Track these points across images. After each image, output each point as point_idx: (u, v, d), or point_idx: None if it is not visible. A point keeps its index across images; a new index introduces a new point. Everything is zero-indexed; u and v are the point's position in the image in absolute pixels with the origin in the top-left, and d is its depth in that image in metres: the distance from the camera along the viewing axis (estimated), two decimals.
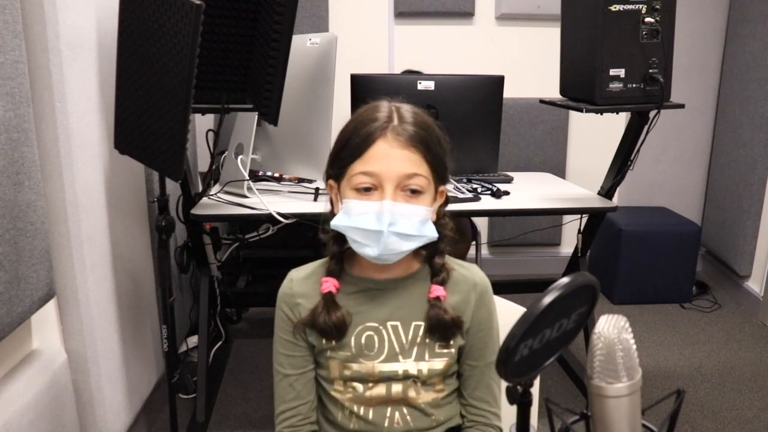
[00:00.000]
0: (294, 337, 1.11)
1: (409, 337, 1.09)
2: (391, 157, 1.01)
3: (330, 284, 1.09)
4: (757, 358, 2.72)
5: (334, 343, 1.08)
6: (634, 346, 0.69)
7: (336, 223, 1.05)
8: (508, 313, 1.21)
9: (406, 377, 1.08)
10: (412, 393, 1.09)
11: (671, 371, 2.62)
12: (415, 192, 1.02)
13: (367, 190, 1.02)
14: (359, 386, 1.09)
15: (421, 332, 1.09)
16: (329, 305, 1.08)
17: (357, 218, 1.02)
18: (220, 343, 2.69)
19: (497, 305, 1.20)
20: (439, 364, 1.09)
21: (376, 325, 1.09)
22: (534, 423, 1.13)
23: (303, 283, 1.13)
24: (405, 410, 1.10)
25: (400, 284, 1.11)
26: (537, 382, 1.19)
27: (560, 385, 2.49)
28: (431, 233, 1.05)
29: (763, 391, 2.46)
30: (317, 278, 1.12)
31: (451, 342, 1.09)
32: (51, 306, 1.53)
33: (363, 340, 1.08)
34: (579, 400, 2.38)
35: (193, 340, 2.58)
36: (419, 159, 1.02)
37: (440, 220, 1.12)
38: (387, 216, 1.00)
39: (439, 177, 1.07)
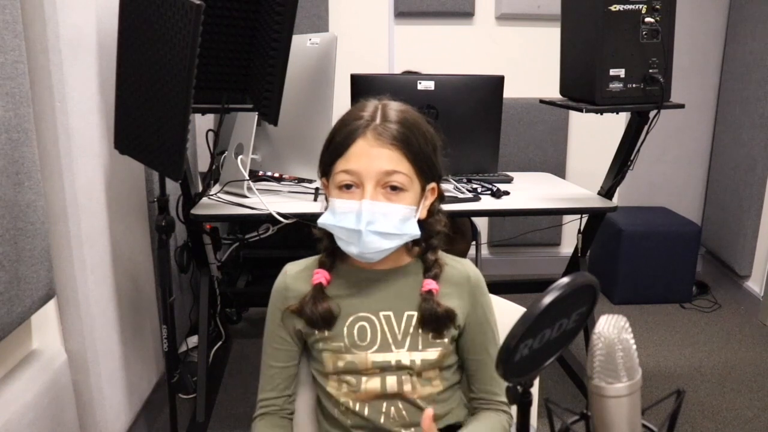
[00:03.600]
0: (282, 331, 1.13)
1: (402, 327, 1.09)
2: (370, 155, 1.02)
3: (321, 276, 1.11)
4: (757, 358, 2.72)
5: (326, 333, 1.09)
6: (634, 346, 0.69)
7: (322, 221, 1.07)
8: (508, 313, 1.21)
9: (399, 368, 1.08)
10: (407, 387, 1.09)
11: (671, 371, 2.62)
12: (395, 189, 1.03)
13: (348, 187, 1.04)
14: (353, 380, 1.09)
15: (414, 322, 1.09)
16: (317, 296, 1.09)
17: (340, 217, 1.04)
18: (220, 343, 2.69)
19: (497, 305, 1.20)
20: (432, 354, 1.09)
21: (368, 315, 1.10)
22: (534, 423, 1.14)
23: (297, 278, 1.15)
24: (400, 405, 1.10)
25: (392, 274, 1.12)
26: (537, 382, 1.19)
27: (560, 385, 2.49)
28: (413, 231, 1.06)
29: (763, 391, 2.46)
30: (311, 272, 1.13)
31: (444, 332, 1.10)
32: (51, 306, 1.53)
33: (355, 330, 1.09)
34: (579, 400, 2.38)
35: (193, 340, 2.58)
36: (399, 157, 1.03)
37: (433, 216, 1.12)
38: (365, 215, 1.02)
39: (426, 175, 1.08)
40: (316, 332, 1.10)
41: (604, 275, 3.32)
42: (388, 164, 1.02)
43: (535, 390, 1.10)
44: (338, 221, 1.04)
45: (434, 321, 1.08)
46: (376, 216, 1.02)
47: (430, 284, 1.10)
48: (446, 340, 1.10)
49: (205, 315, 2.27)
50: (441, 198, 1.14)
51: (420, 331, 1.09)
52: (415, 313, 1.09)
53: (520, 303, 1.21)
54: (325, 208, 1.12)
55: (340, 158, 1.04)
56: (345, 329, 1.09)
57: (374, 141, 1.02)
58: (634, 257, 3.22)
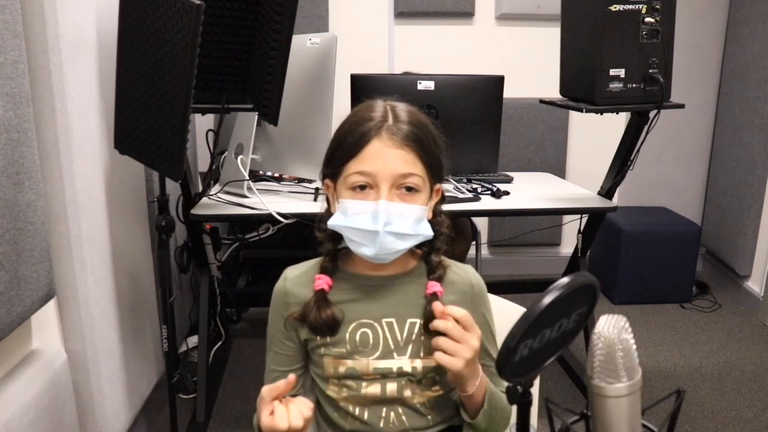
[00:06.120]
0: (284, 335, 1.12)
1: (404, 334, 1.09)
2: (386, 157, 1.01)
3: (323, 281, 1.10)
4: (757, 358, 2.73)
5: (328, 339, 1.09)
6: (634, 346, 0.69)
7: (333, 222, 1.05)
8: (508, 313, 1.21)
9: (400, 374, 1.08)
10: (407, 392, 1.09)
11: (671, 371, 2.62)
12: (410, 190, 1.03)
13: (363, 188, 1.03)
14: (354, 384, 1.09)
15: (416, 329, 1.09)
16: (320, 302, 1.08)
17: (353, 218, 1.03)
18: (220, 343, 2.69)
19: (497, 305, 1.20)
20: (434, 361, 1.08)
21: (371, 321, 1.09)
22: (534, 423, 1.14)
23: (297, 282, 1.13)
24: (400, 410, 1.10)
25: (395, 281, 1.11)
26: (537, 382, 1.19)
27: (560, 385, 2.49)
28: (427, 232, 1.06)
29: (763, 391, 2.46)
30: (311, 276, 1.12)
31: None
32: (51, 306, 1.53)
33: (358, 337, 1.09)
34: (579, 400, 2.38)
35: (193, 340, 2.58)
36: (414, 158, 1.03)
37: (436, 218, 1.12)
38: (383, 216, 1.01)
39: (435, 175, 1.07)
40: (318, 338, 1.09)
41: (604, 275, 3.32)
42: (403, 166, 1.02)
43: (535, 390, 1.10)
44: (351, 222, 1.03)
45: None
46: (393, 216, 1.01)
47: (434, 287, 1.09)
48: None
49: (205, 315, 2.27)
50: (443, 200, 1.14)
51: (422, 338, 1.08)
52: (418, 321, 1.09)
53: (520, 303, 1.21)
54: (326, 210, 1.12)
55: (353, 159, 1.02)
56: (347, 335, 1.08)
57: (389, 141, 1.01)
58: (634, 257, 3.22)
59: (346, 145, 1.04)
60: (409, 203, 1.03)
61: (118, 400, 1.82)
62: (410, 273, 1.13)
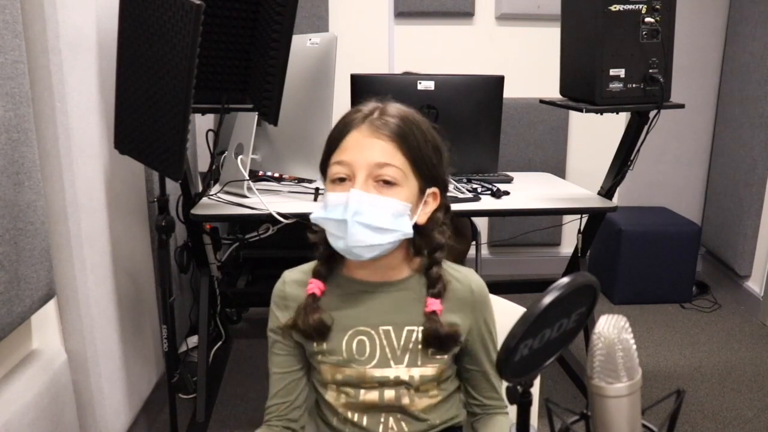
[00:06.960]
0: (281, 337, 1.12)
1: (402, 342, 1.07)
2: (363, 146, 1.00)
3: (314, 286, 1.08)
4: (757, 358, 2.72)
5: (324, 346, 1.07)
6: (634, 346, 0.68)
7: (314, 216, 1.03)
8: (508, 313, 1.21)
9: (397, 383, 1.07)
10: (405, 400, 1.08)
11: (671, 371, 2.62)
12: (388, 183, 1.00)
13: (342, 180, 1.01)
14: (352, 391, 1.08)
15: (414, 337, 1.07)
16: (308, 307, 1.06)
17: (330, 210, 1.01)
18: (220, 343, 2.70)
19: (497, 305, 1.20)
20: (431, 370, 1.07)
21: (367, 329, 1.07)
22: (534, 423, 1.14)
23: (294, 285, 1.12)
24: (399, 416, 1.09)
25: (392, 288, 1.09)
26: (537, 382, 1.19)
27: (560, 385, 2.49)
28: (405, 229, 1.01)
29: (763, 391, 2.46)
30: (308, 280, 1.11)
31: (448, 351, 1.08)
32: (51, 306, 1.53)
33: (354, 345, 1.07)
34: (579, 400, 2.38)
35: (193, 340, 2.58)
36: (394, 149, 1.00)
37: (436, 227, 1.08)
38: (353, 205, 0.98)
39: (424, 174, 1.04)
40: (315, 345, 1.08)
41: (604, 275, 3.32)
42: (380, 156, 0.99)
43: (535, 390, 1.10)
44: (328, 213, 1.01)
45: (438, 342, 1.05)
46: (364, 206, 0.98)
47: (433, 304, 1.06)
48: (446, 356, 1.08)
49: (205, 315, 2.27)
50: (446, 210, 1.11)
51: (420, 347, 1.07)
52: (415, 329, 1.07)
53: (520, 303, 1.21)
54: None
55: (335, 151, 1.02)
56: (344, 344, 1.07)
57: (368, 132, 1.00)
58: (634, 257, 3.22)
59: (330, 139, 1.04)
60: (387, 196, 1.00)
61: (118, 400, 1.82)
62: (408, 280, 1.10)
